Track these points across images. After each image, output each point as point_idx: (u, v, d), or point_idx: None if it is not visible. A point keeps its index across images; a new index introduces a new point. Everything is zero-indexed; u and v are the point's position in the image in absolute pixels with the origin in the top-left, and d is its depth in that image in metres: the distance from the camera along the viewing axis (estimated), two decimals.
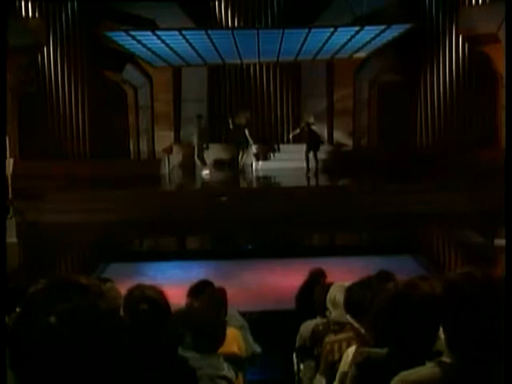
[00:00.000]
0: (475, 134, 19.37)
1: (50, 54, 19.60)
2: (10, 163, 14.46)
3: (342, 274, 8.33)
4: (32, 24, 18.80)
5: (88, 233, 14.19)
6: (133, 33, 16.49)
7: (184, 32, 16.24)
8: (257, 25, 19.52)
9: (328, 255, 11.57)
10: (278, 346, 6.50)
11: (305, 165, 18.44)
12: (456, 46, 19.54)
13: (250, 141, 18.84)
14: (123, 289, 3.73)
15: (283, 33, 16.40)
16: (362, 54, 19.07)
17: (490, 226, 13.04)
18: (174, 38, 16.46)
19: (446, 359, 2.24)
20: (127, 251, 13.80)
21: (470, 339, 2.17)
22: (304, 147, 18.44)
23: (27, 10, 18.97)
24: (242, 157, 19.00)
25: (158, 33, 16.48)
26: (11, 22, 15.23)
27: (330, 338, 4.44)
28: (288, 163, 19.13)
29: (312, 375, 5.10)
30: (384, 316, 2.84)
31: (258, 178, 18.82)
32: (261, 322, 7.27)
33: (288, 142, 20.26)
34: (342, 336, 4.33)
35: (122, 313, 3.07)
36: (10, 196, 14.23)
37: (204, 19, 19.28)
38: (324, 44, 17.38)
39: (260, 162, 19.34)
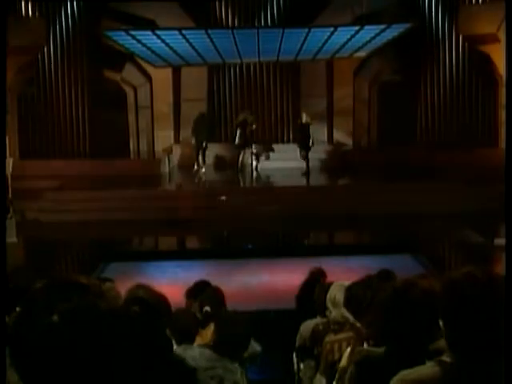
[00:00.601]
0: (475, 134, 19.37)
1: (50, 53, 19.59)
2: (9, 163, 14.47)
3: (342, 274, 8.34)
4: (32, 24, 18.80)
5: (88, 232, 14.20)
6: (133, 32, 16.49)
7: (184, 31, 16.24)
8: (257, 24, 19.52)
9: (328, 255, 11.57)
10: (278, 345, 6.50)
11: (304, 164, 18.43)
12: (456, 45, 19.54)
13: (250, 140, 18.84)
14: (123, 288, 3.73)
15: (283, 32, 16.40)
16: (361, 54, 19.06)
17: (490, 225, 13.05)
18: (174, 38, 16.46)
19: (446, 358, 2.24)
20: (127, 251, 13.80)
21: (470, 338, 2.17)
22: None
23: (27, 9, 18.97)
24: (242, 156, 18.99)
25: (158, 32, 16.48)
26: (11, 21, 15.25)
27: (330, 337, 4.44)
28: (288, 163, 19.13)
29: (312, 375, 5.10)
30: (384, 315, 2.84)
31: (257, 177, 18.81)
32: (261, 322, 7.27)
33: (288, 141, 20.27)
34: (342, 336, 4.33)
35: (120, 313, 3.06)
36: (10, 196, 14.24)
37: (204, 19, 19.28)
38: (324, 43, 17.37)
39: (260, 162, 19.32)
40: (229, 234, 15.09)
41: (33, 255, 13.26)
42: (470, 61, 19.40)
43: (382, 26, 16.47)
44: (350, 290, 4.38)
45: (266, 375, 6.86)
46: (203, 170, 18.59)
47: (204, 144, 18.95)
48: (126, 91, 20.81)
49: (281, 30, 16.54)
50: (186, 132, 20.18)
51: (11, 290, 3.79)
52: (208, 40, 16.68)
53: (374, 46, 18.16)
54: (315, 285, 6.27)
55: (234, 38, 16.73)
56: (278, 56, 18.94)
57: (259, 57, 19.07)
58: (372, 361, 2.82)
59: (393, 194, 15.25)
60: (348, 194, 15.86)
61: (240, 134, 18.66)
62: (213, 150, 19.82)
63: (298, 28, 16.79)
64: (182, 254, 13.22)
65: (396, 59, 19.88)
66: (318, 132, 20.18)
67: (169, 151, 20.04)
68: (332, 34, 16.45)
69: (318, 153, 19.13)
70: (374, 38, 17.13)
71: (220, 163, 20.18)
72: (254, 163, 19.13)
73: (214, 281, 6.60)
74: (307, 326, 5.38)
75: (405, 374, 2.30)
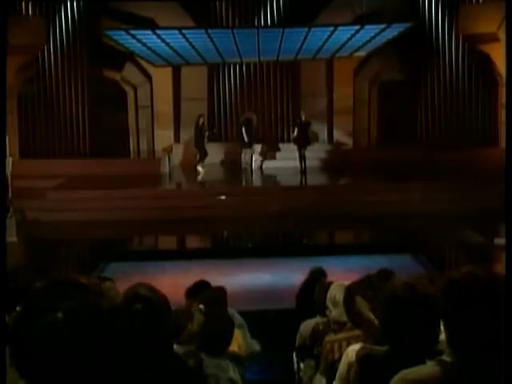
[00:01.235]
0: (475, 133, 19.38)
1: (50, 53, 19.59)
2: (9, 162, 14.47)
3: (343, 273, 8.34)
4: (32, 23, 18.81)
5: (88, 232, 14.20)
6: (133, 32, 16.47)
7: (184, 31, 16.22)
8: (257, 24, 19.52)
9: (328, 254, 11.57)
10: (278, 345, 6.50)
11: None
12: (456, 45, 19.54)
13: (252, 140, 18.85)
14: (123, 288, 3.73)
15: (283, 32, 16.39)
16: (361, 53, 19.05)
17: (489, 225, 13.05)
18: (174, 37, 16.44)
19: (446, 358, 2.24)
20: (127, 250, 13.80)
21: (470, 338, 2.17)
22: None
23: (27, 9, 18.98)
24: (244, 156, 18.97)
25: (158, 32, 16.46)
26: (11, 21, 15.25)
27: (330, 337, 4.44)
28: (287, 162, 19.14)
29: (312, 374, 5.10)
30: (383, 315, 2.84)
31: (257, 177, 18.81)
32: (261, 322, 7.27)
33: (288, 140, 20.27)
34: (342, 335, 4.32)
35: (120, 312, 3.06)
36: (10, 195, 14.24)
37: (204, 18, 19.28)
38: (324, 43, 17.36)
39: (260, 162, 19.33)
40: (229, 234, 15.09)
41: (33, 255, 13.25)
42: (470, 60, 19.41)
43: (382, 26, 16.45)
44: (349, 290, 4.38)
45: (266, 375, 6.86)
46: (202, 169, 18.56)
47: (205, 144, 18.94)
48: (126, 90, 20.82)
49: (281, 30, 16.53)
50: (186, 131, 20.19)
51: (11, 290, 3.79)
52: (208, 39, 16.67)
53: (374, 46, 18.15)
54: (315, 284, 6.27)
55: (234, 37, 16.72)
56: (278, 55, 18.93)
57: (259, 56, 19.06)
58: (374, 359, 2.83)
59: (393, 194, 15.25)
60: (348, 194, 15.86)
61: (244, 134, 18.67)
62: (213, 150, 19.81)
63: (298, 27, 16.78)
64: (182, 254, 13.21)
65: (396, 59, 19.88)
66: (318, 131, 20.20)
67: (169, 150, 20.05)
68: (332, 33, 16.43)
69: (317, 152, 19.13)
70: (374, 37, 17.11)
71: (220, 162, 20.18)
72: (258, 163, 19.14)
73: (214, 280, 6.62)
74: (307, 326, 5.38)
75: (405, 373, 2.30)
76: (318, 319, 5.35)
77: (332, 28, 16.26)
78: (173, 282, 9.13)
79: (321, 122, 20.31)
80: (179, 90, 20.79)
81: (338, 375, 3.63)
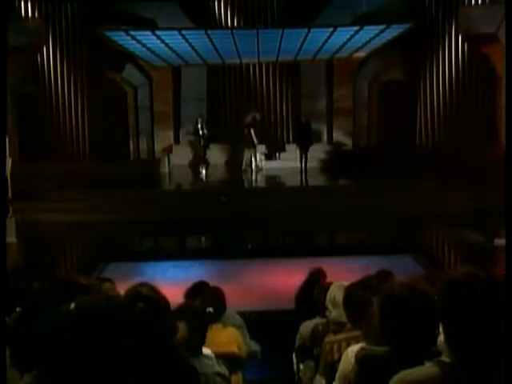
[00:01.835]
0: (474, 133, 19.38)
1: (49, 53, 19.60)
2: (9, 163, 14.46)
3: (342, 274, 8.33)
4: (32, 24, 18.81)
5: (87, 232, 14.19)
6: (132, 32, 16.49)
7: (184, 32, 16.24)
8: (256, 24, 19.52)
9: (328, 255, 11.57)
10: (278, 345, 6.50)
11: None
12: (456, 45, 19.55)
13: (256, 141, 18.86)
14: (123, 288, 3.73)
15: (283, 32, 16.40)
16: (361, 54, 19.07)
17: (489, 225, 13.05)
18: (174, 38, 16.46)
19: (445, 359, 2.24)
20: (127, 251, 13.79)
21: (469, 339, 2.18)
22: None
23: (27, 9, 18.98)
24: (248, 157, 18.94)
25: (158, 33, 16.48)
26: (11, 21, 15.24)
27: (330, 337, 4.44)
28: (287, 163, 19.16)
29: (312, 375, 5.10)
30: (383, 315, 2.85)
31: (258, 177, 18.81)
32: (261, 322, 7.27)
33: (288, 141, 20.28)
34: (341, 336, 4.32)
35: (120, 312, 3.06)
36: (10, 196, 14.23)
37: (203, 19, 19.28)
38: (323, 44, 17.38)
39: (262, 162, 19.32)
40: (229, 235, 15.08)
41: (32, 255, 13.25)
42: (470, 61, 19.41)
43: (382, 27, 16.47)
44: (349, 291, 4.38)
45: (266, 375, 6.86)
46: (204, 170, 18.58)
47: (205, 145, 18.96)
48: (126, 91, 20.82)
49: (280, 30, 16.54)
50: (186, 132, 20.20)
51: (11, 290, 3.79)
52: (208, 40, 16.68)
53: (374, 46, 18.17)
54: (315, 285, 6.27)
55: (234, 38, 16.73)
56: (277, 56, 18.95)
57: (259, 57, 19.08)
58: (374, 359, 2.83)
59: (393, 194, 15.25)
60: (348, 194, 15.86)
61: (249, 134, 18.67)
62: (213, 150, 19.84)
63: (298, 28, 16.80)
64: (181, 254, 13.21)
65: (396, 59, 19.88)
66: (318, 132, 20.20)
67: (169, 151, 20.05)
68: (332, 34, 16.45)
69: (317, 153, 19.13)
70: (373, 38, 17.13)
71: (221, 163, 20.20)
72: (262, 163, 19.15)
73: (214, 281, 6.62)
74: (307, 327, 5.38)
75: (404, 374, 2.31)
76: (317, 320, 5.34)
77: (332, 29, 16.27)
78: (172, 282, 9.12)
79: (320, 122, 20.31)
80: (179, 91, 20.80)
81: (337, 376, 3.63)
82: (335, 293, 4.86)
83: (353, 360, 3.04)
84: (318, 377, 4.60)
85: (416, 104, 20.04)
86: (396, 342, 2.76)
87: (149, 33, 16.49)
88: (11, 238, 12.47)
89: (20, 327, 1.74)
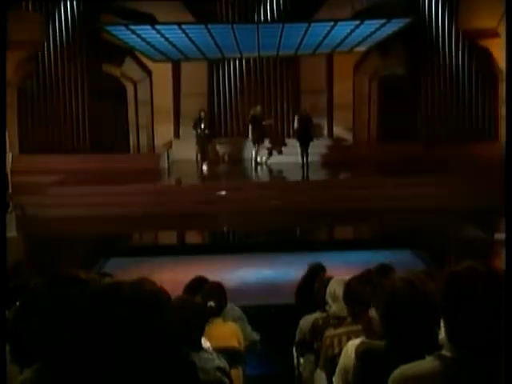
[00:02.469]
0: (475, 128, 19.37)
1: (49, 48, 19.57)
2: (9, 157, 14.47)
3: (342, 269, 8.34)
4: (32, 18, 18.77)
5: (88, 227, 14.19)
6: (132, 27, 16.46)
7: (183, 26, 16.21)
8: (256, 19, 19.48)
9: (328, 249, 11.58)
10: (278, 340, 6.51)
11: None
12: (456, 40, 19.51)
13: (265, 135, 18.84)
14: None
15: (283, 27, 16.37)
16: (361, 48, 19.03)
17: (490, 220, 13.05)
18: (174, 33, 16.43)
19: (445, 353, 2.24)
20: (127, 246, 13.80)
21: (470, 333, 2.18)
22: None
23: (27, 4, 18.94)
24: (257, 151, 18.89)
25: (158, 27, 16.45)
26: (11, 16, 15.21)
27: (330, 332, 4.44)
28: (287, 157, 19.15)
29: (312, 369, 5.11)
30: (384, 310, 2.85)
31: (260, 171, 18.81)
32: (261, 316, 7.28)
33: (288, 136, 20.26)
34: (341, 330, 4.33)
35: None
36: (10, 190, 14.23)
37: (203, 13, 19.25)
38: (324, 38, 17.34)
39: (267, 157, 19.30)
40: (229, 229, 15.09)
41: (32, 250, 13.26)
42: (470, 55, 19.39)
43: (382, 21, 16.44)
44: (349, 285, 4.38)
45: (266, 370, 6.88)
46: (205, 166, 18.56)
47: (205, 139, 18.93)
48: (126, 86, 20.79)
49: (281, 25, 16.52)
50: (186, 126, 20.18)
51: (11, 285, 3.79)
52: (208, 35, 16.65)
53: (374, 41, 18.13)
54: (315, 279, 6.27)
55: (234, 32, 16.70)
56: (277, 51, 18.91)
57: (259, 51, 19.04)
58: (373, 354, 2.83)
59: (393, 189, 15.25)
60: (348, 189, 15.85)
61: (253, 129, 18.65)
62: (213, 145, 19.82)
63: (298, 22, 16.76)
64: (181, 249, 13.22)
65: (396, 54, 19.85)
66: (318, 127, 20.17)
67: (168, 146, 20.04)
68: (332, 28, 16.42)
69: (318, 147, 19.11)
70: (374, 32, 17.10)
71: (221, 158, 20.19)
72: (265, 158, 19.13)
73: (214, 276, 6.62)
74: (307, 321, 5.39)
75: (405, 368, 2.31)
76: (317, 314, 5.35)
77: (332, 23, 16.24)
78: (172, 277, 9.13)
79: (321, 117, 20.28)
80: (179, 86, 20.77)
81: (337, 370, 3.63)
82: (335, 287, 4.87)
83: (353, 354, 3.04)
84: (318, 371, 4.61)
85: (416, 98, 20.02)
86: (396, 336, 2.76)
87: (149, 27, 16.46)
88: (11, 233, 12.47)
89: (20, 322, 1.73)
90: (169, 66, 20.45)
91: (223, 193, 15.83)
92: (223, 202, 15.48)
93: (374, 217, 14.28)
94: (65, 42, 19.58)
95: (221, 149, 20.22)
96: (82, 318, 1.64)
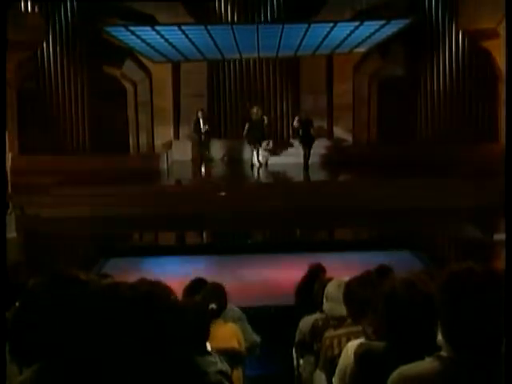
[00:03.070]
0: (475, 129, 19.37)
1: (49, 48, 19.58)
2: (8, 158, 14.46)
3: (342, 269, 8.34)
4: (32, 19, 18.76)
5: (87, 228, 14.20)
6: (132, 28, 16.46)
7: (183, 27, 16.21)
8: (256, 20, 19.49)
9: (327, 250, 11.58)
10: (278, 341, 6.51)
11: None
12: (456, 40, 19.52)
13: (265, 136, 18.84)
14: None
15: (283, 28, 16.37)
16: (361, 49, 19.03)
17: (489, 220, 13.06)
18: (174, 34, 16.43)
19: (444, 354, 2.24)
20: (127, 246, 13.80)
21: (469, 333, 2.18)
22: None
23: (27, 5, 18.93)
24: (256, 152, 18.90)
25: (158, 28, 16.45)
26: (11, 16, 15.22)
27: (330, 332, 4.44)
28: (287, 158, 19.16)
29: (312, 370, 5.11)
30: (383, 311, 2.85)
31: (258, 173, 18.81)
32: (260, 317, 7.28)
33: (288, 137, 20.27)
34: (341, 331, 4.33)
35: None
36: (10, 191, 14.23)
37: (203, 14, 19.25)
38: (324, 39, 17.34)
39: (266, 158, 19.29)
40: (229, 230, 15.09)
41: (32, 250, 13.26)
42: (470, 56, 19.39)
43: (382, 22, 16.43)
44: (349, 286, 4.38)
45: (266, 370, 6.88)
46: (204, 165, 18.56)
47: (205, 140, 18.94)
48: (126, 87, 20.79)
49: (280, 26, 16.51)
50: (186, 127, 20.19)
51: (11, 285, 3.79)
52: (207, 36, 16.65)
53: (374, 42, 18.13)
54: (315, 280, 6.28)
55: (234, 33, 16.70)
56: (277, 52, 18.91)
57: (259, 52, 19.04)
58: (373, 355, 2.83)
59: (392, 190, 15.25)
60: (347, 190, 15.86)
61: (252, 130, 18.64)
62: (214, 146, 19.84)
63: (298, 23, 16.76)
64: (181, 250, 13.22)
65: (396, 55, 19.86)
66: (318, 128, 20.16)
67: (168, 146, 20.04)
68: (332, 29, 16.41)
69: (317, 148, 19.12)
70: (373, 33, 17.09)
71: (221, 158, 20.20)
72: (265, 159, 19.12)
73: (214, 276, 6.62)
74: (307, 322, 5.39)
75: (404, 369, 2.31)
76: (317, 315, 5.35)
77: (332, 24, 16.24)
78: (172, 278, 9.13)
79: (321, 118, 20.28)
80: (179, 87, 20.77)
81: (337, 371, 3.63)
82: (329, 287, 4.91)
83: (352, 355, 3.04)
84: (317, 372, 4.61)
85: (416, 99, 20.03)
86: (396, 337, 2.76)
87: (148, 28, 16.46)
88: (11, 233, 12.47)
89: (19, 322, 1.74)
90: (169, 67, 20.45)
91: (223, 193, 15.83)
92: (223, 202, 15.48)
93: (373, 217, 14.28)
94: (65, 43, 19.59)
95: (220, 149, 20.23)
96: (82, 318, 1.64)
